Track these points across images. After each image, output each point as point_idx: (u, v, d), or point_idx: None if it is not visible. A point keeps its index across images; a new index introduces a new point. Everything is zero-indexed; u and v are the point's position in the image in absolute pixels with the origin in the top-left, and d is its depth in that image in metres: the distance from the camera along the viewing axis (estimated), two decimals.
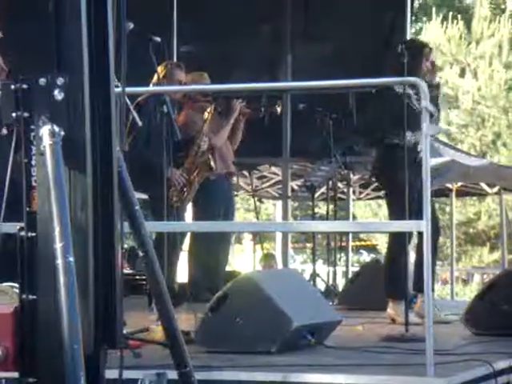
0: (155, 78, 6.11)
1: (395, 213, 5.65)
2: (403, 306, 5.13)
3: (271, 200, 17.13)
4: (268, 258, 10.63)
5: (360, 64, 7.13)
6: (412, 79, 4.07)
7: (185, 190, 6.63)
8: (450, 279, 13.35)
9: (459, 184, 11.57)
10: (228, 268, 9.27)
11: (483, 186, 12.16)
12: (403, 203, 5.10)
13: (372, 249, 22.71)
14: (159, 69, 6.21)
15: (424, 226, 3.49)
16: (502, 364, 4.03)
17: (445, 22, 21.11)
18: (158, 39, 5.46)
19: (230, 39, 8.39)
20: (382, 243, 19.51)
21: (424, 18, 21.90)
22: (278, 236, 16.86)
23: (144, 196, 6.35)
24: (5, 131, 2.51)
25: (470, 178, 11.36)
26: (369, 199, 13.32)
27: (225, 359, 4.03)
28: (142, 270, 8.19)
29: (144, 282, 7.92)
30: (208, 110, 6.92)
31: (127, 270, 8.93)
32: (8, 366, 2.35)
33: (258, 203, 9.41)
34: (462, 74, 20.93)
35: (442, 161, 9.52)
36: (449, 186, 11.07)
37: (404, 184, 5.12)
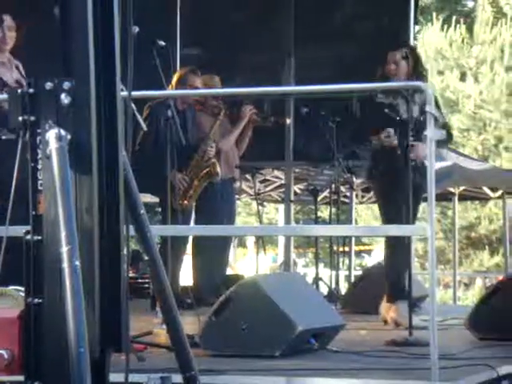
0: (173, 82, 6.14)
1: (386, 217, 5.82)
2: (403, 308, 5.17)
3: (273, 204, 17.13)
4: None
5: (363, 67, 7.12)
6: (417, 84, 4.08)
7: (188, 193, 6.63)
8: (452, 283, 13.35)
9: (462, 188, 11.57)
10: (231, 271, 9.27)
11: (486, 190, 12.16)
12: (393, 208, 5.40)
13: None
14: (176, 74, 6.22)
15: (428, 230, 3.49)
16: (506, 369, 4.02)
17: (446, 26, 21.11)
18: (163, 43, 5.47)
19: (231, 42, 8.39)
20: (380, 247, 19.52)
21: (423, 21, 21.90)
22: (281, 240, 16.85)
23: (150, 199, 6.35)
24: None
25: (473, 182, 11.36)
26: (371, 203, 13.33)
27: (228, 363, 4.02)
28: (145, 273, 8.24)
29: (147, 286, 7.92)
30: (220, 115, 6.90)
31: (130, 274, 8.93)
32: (14, 370, 2.35)
33: (259, 207, 9.40)
34: (463, 78, 20.93)
35: (444, 165, 9.53)
36: (451, 189, 11.07)
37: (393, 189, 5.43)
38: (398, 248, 5.59)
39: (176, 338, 2.75)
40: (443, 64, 21.01)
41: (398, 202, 5.44)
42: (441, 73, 21.01)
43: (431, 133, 3.36)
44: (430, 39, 21.12)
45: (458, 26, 21.01)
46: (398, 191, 5.40)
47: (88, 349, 2.20)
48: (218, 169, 6.73)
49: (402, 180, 5.23)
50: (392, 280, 5.89)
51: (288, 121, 7.36)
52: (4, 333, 2.35)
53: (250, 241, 18.83)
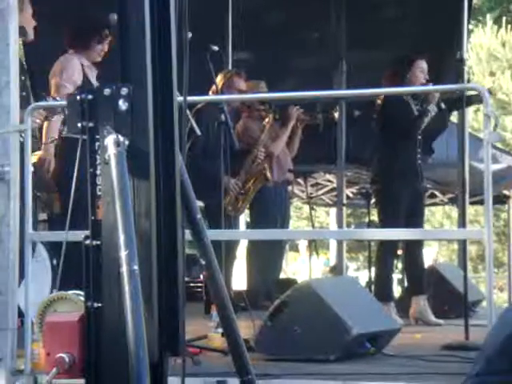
0: (214, 86, 6.14)
1: (384, 220, 6.12)
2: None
3: (323, 207, 17.06)
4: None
5: None
6: (473, 86, 4.05)
7: (240, 198, 6.65)
8: (506, 286, 13.18)
9: None
10: (283, 275, 9.26)
11: None
12: (391, 215, 5.91)
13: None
14: (219, 77, 6.24)
15: (485, 233, 3.46)
16: None
17: (496, 27, 20.87)
18: (216, 48, 5.48)
19: (283, 46, 8.39)
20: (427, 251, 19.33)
21: (474, 23, 21.65)
22: (333, 244, 16.78)
23: (200, 203, 6.37)
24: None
25: None
26: (427, 205, 13.20)
27: (283, 367, 4.02)
28: (197, 278, 8.26)
29: (199, 290, 7.94)
30: (267, 119, 6.93)
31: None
32: (74, 373, 2.38)
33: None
34: None
35: (498, 167, 9.42)
36: (506, 192, 10.92)
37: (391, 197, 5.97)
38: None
39: (233, 341, 2.76)
40: (495, 65, 20.78)
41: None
42: (493, 74, 20.79)
43: (488, 135, 3.34)
44: (481, 40, 20.92)
45: (511, 26, 20.77)
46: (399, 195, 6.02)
47: (147, 352, 2.21)
48: (269, 174, 6.74)
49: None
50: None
51: (336, 115, 7.36)
52: (65, 336, 2.38)
53: (302, 244, 18.81)
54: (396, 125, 6.07)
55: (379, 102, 6.21)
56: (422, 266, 6.29)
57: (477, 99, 5.56)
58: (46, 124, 4.98)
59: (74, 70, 5.21)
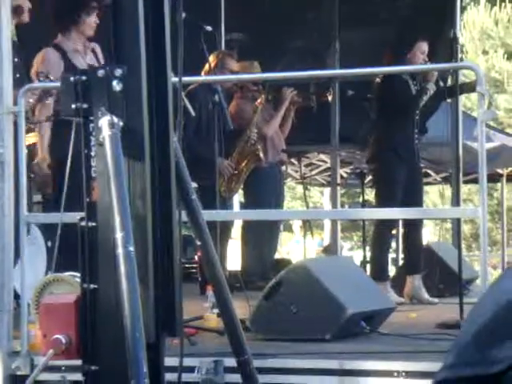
0: (206, 66, 6.12)
1: (380, 200, 6.12)
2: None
3: (317, 187, 17.08)
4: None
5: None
6: (467, 64, 4.05)
7: (233, 179, 6.66)
8: (499, 265, 13.24)
9: (510, 169, 11.45)
10: (277, 256, 9.28)
11: None
12: (387, 194, 5.91)
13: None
14: (210, 58, 6.23)
15: (480, 213, 3.47)
16: None
17: (489, 5, 20.85)
18: (210, 28, 5.46)
19: (276, 26, 8.36)
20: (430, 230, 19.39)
21: (468, 1, 21.61)
22: (327, 224, 16.81)
23: (194, 184, 6.37)
24: None
25: None
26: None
27: (279, 347, 4.04)
28: (193, 258, 8.26)
29: (194, 270, 7.94)
30: (259, 100, 6.93)
31: None
32: (71, 354, 2.39)
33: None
34: (510, 57, 20.67)
35: (492, 146, 9.44)
36: (499, 171, 10.96)
37: (388, 176, 5.98)
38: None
39: (229, 321, 2.76)
40: (488, 44, 20.78)
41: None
42: (486, 52, 20.78)
43: (482, 114, 3.34)
44: (474, 18, 20.90)
45: (504, 5, 20.75)
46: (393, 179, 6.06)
47: (143, 333, 2.21)
48: (262, 154, 6.74)
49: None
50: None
51: (329, 97, 7.39)
52: (61, 318, 2.38)
53: (296, 225, 18.84)
54: (395, 103, 6.07)
55: (378, 80, 6.20)
56: (420, 245, 6.30)
57: (469, 87, 5.56)
58: (39, 106, 4.96)
59: (47, 66, 5.19)
